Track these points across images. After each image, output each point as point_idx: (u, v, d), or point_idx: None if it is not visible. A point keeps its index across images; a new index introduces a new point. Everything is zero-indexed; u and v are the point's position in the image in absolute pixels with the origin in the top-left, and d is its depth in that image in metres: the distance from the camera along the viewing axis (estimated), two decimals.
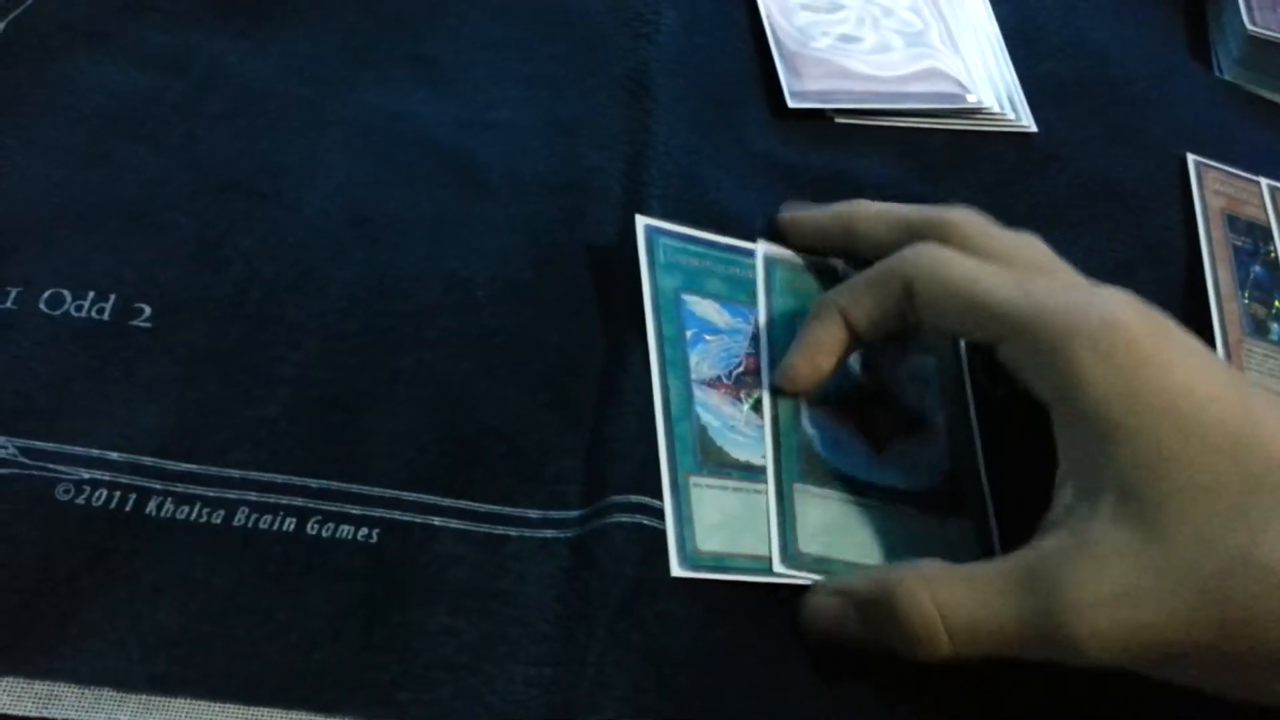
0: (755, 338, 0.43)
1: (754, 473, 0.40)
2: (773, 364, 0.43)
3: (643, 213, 0.46)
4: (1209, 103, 0.59)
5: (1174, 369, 0.35)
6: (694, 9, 0.56)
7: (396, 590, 0.37)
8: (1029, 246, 0.42)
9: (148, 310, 0.41)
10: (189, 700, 0.34)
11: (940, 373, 0.45)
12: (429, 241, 0.45)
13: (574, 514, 0.39)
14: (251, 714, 0.34)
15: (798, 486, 0.40)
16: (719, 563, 0.38)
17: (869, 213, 0.44)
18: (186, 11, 0.51)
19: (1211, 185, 0.53)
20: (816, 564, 0.39)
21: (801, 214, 0.46)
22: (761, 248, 0.46)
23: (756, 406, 0.42)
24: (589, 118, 0.51)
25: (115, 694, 0.34)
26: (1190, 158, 0.55)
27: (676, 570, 0.38)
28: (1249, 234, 0.52)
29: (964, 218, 0.42)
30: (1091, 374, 0.35)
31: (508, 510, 0.39)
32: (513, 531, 0.39)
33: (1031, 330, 0.36)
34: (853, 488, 0.41)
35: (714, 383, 0.42)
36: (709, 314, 0.43)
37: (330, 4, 0.53)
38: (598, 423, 0.41)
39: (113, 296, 0.41)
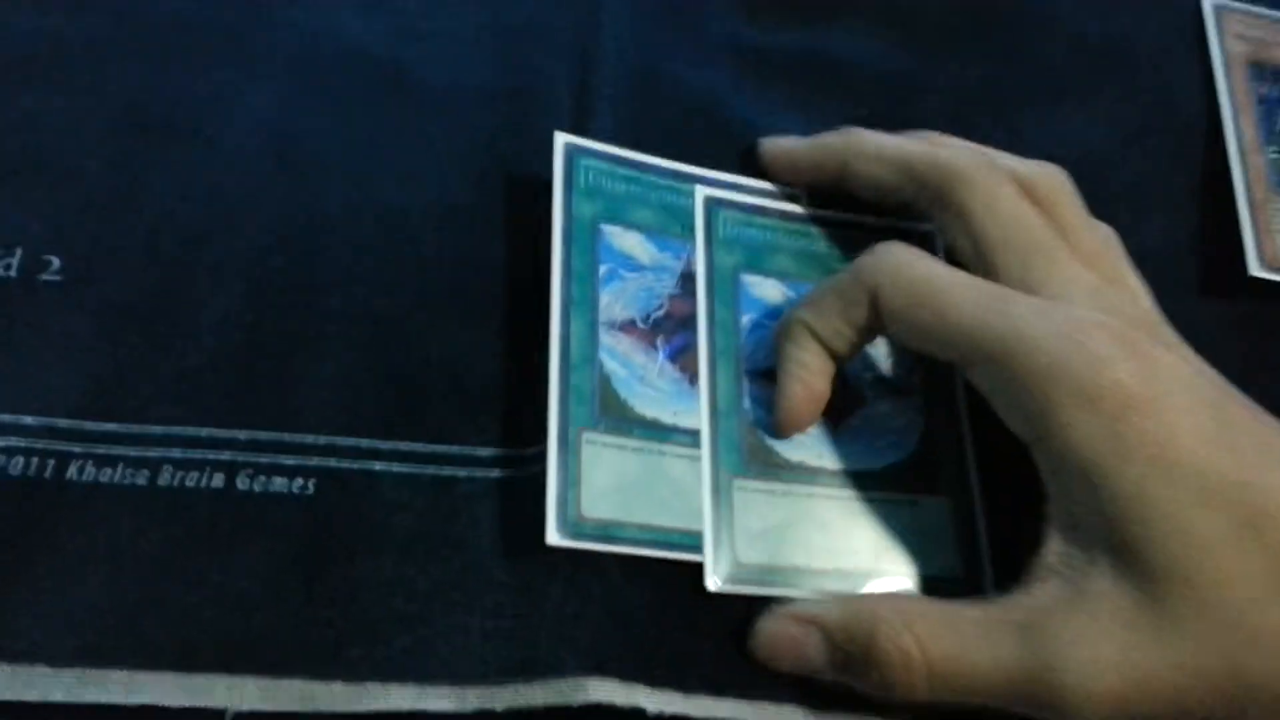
0: (687, 277, 0.38)
1: (661, 431, 0.36)
2: (712, 326, 0.38)
3: (591, 119, 0.42)
4: None
5: (1163, 412, 0.31)
6: None
7: (338, 542, 0.34)
8: (1068, 215, 0.37)
9: (57, 263, 0.38)
10: (126, 672, 0.32)
11: None
12: (360, 167, 0.41)
13: (530, 451, 0.36)
14: (191, 682, 0.32)
15: (738, 483, 0.35)
16: (605, 532, 0.34)
17: (867, 150, 0.39)
18: None
19: (1233, 29, 0.48)
20: (760, 575, 0.34)
21: (786, 147, 0.41)
22: (702, 191, 0.40)
23: (675, 359, 0.37)
24: (535, 20, 0.46)
25: (49, 669, 0.32)
26: (1206, 1, 0.49)
27: (553, 538, 0.33)
28: (1278, 81, 0.46)
29: (981, 174, 0.37)
30: (1072, 418, 0.31)
31: (456, 449, 0.36)
32: (462, 472, 0.36)
33: (1004, 361, 0.32)
34: (804, 475, 0.36)
35: (626, 326, 0.37)
36: (630, 248, 0.38)
37: None
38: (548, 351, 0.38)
39: (19, 251, 0.38)
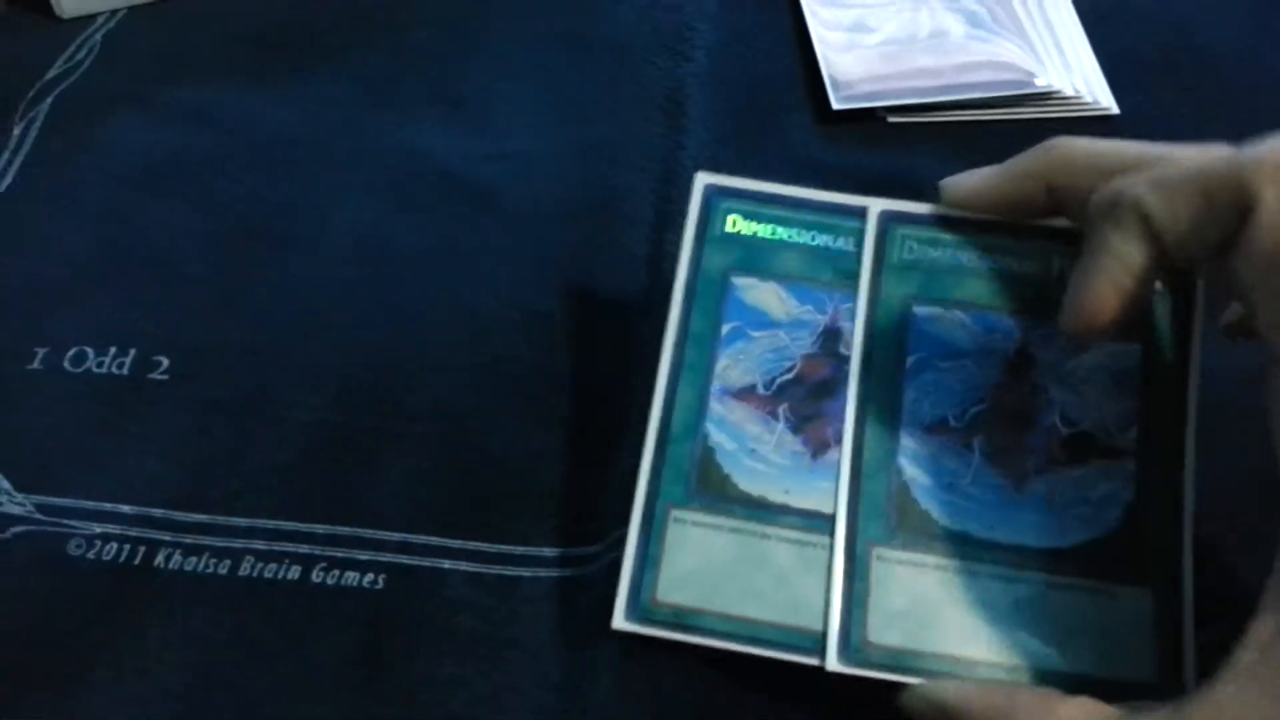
0: (829, 334, 0.34)
1: (767, 511, 0.32)
2: (867, 370, 0.33)
3: (669, 233, 0.43)
4: None
5: None
6: (732, 22, 0.54)
7: (402, 639, 0.35)
8: None
9: (165, 362, 0.41)
10: None
11: (1158, 348, 0.32)
12: (446, 276, 0.44)
13: (591, 549, 0.36)
14: None
15: (878, 551, 0.31)
16: (681, 620, 0.31)
17: (1076, 157, 0.31)
18: (218, 68, 0.51)
19: None
20: (893, 659, 0.30)
21: (972, 186, 0.35)
22: (877, 205, 0.35)
23: (799, 429, 0.33)
24: (618, 140, 0.49)
25: None
26: None
27: (619, 622, 0.31)
28: None
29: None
30: None
31: (521, 550, 0.37)
32: (525, 573, 0.36)
33: None
34: (967, 548, 0.31)
35: (743, 393, 0.33)
36: (764, 301, 0.34)
37: (359, 50, 0.53)
38: (617, 455, 0.38)
39: (133, 351, 0.41)
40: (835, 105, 0.49)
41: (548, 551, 0.37)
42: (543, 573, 0.36)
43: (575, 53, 0.52)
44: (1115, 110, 0.50)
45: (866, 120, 0.49)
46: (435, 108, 0.50)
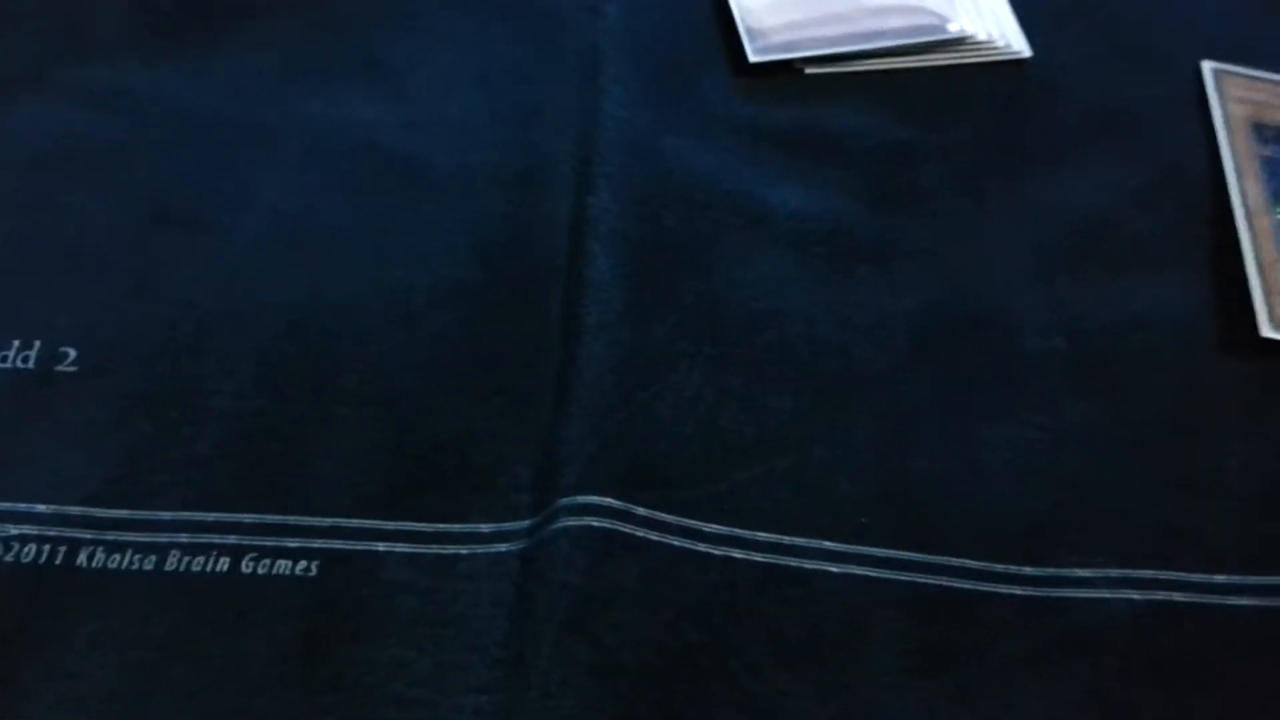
0: None
1: None
2: None
3: (591, 194, 0.43)
4: (1228, 4, 0.53)
5: None
6: None
7: (340, 625, 0.34)
8: None
9: (73, 354, 0.39)
10: None
11: None
12: (371, 253, 0.43)
13: (525, 524, 0.36)
14: None
15: None
16: None
17: None
18: (127, 45, 0.49)
19: (1233, 93, 0.48)
20: None
21: None
22: None
23: None
24: (541, 105, 0.48)
25: None
26: (1206, 65, 0.49)
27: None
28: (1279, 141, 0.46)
29: None
30: None
31: (458, 528, 0.36)
32: (464, 550, 0.36)
33: None
34: None
35: None
36: None
37: (275, 16, 0.51)
38: (551, 426, 0.38)
39: (37, 344, 0.39)
40: (751, 58, 0.48)
41: (484, 528, 0.36)
42: (480, 549, 0.36)
43: (491, 16, 0.51)
44: (1028, 54, 0.50)
45: (784, 73, 0.49)
46: (355, 76, 0.48)
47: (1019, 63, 0.50)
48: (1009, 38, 0.50)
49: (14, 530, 0.36)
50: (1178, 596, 0.36)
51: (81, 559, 0.35)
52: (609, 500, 0.36)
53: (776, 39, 0.49)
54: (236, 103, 0.47)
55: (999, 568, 0.36)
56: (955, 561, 0.36)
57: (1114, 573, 0.36)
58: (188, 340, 0.40)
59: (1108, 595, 0.35)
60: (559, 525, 0.35)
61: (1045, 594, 0.36)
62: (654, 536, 0.36)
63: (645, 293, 0.41)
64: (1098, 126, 0.48)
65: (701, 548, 0.36)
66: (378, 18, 0.51)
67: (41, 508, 0.36)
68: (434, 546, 0.36)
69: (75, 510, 0.36)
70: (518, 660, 0.33)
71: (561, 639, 0.33)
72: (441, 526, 0.36)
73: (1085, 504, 0.38)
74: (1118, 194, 0.46)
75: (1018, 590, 0.36)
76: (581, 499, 0.35)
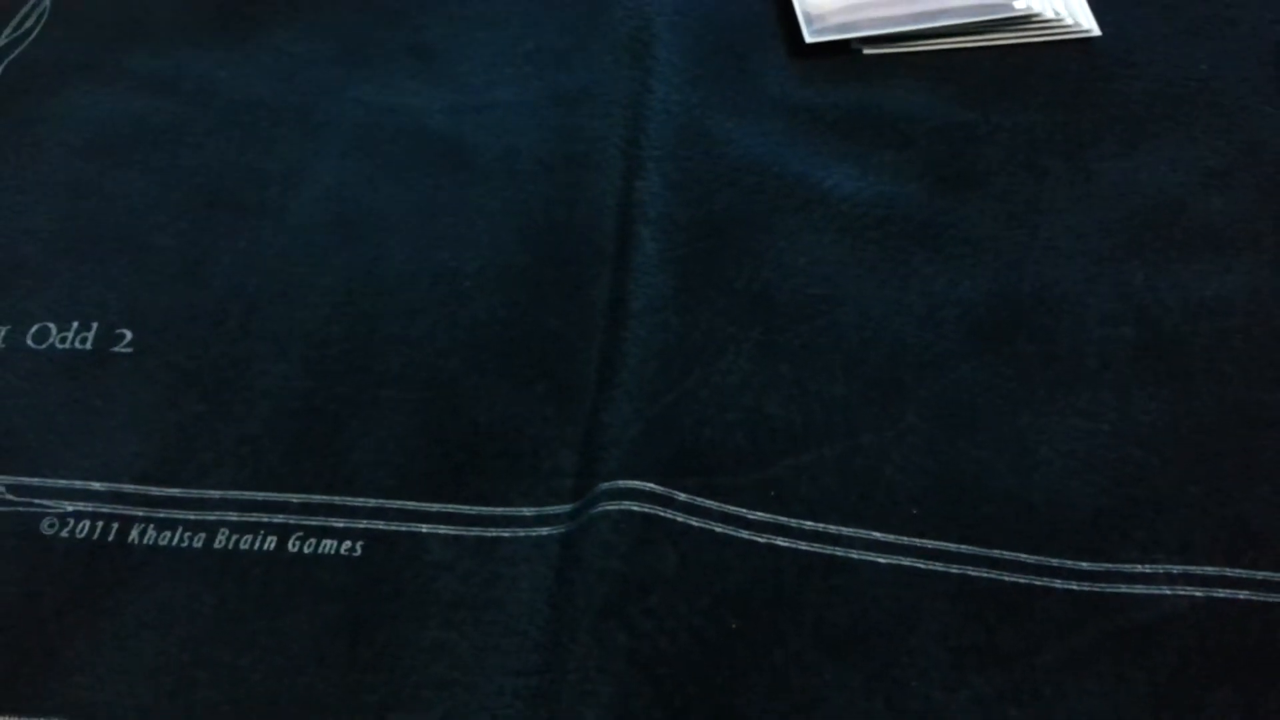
0: None
1: None
2: None
3: (639, 178, 0.42)
4: None
5: None
6: None
7: (383, 605, 0.35)
8: None
9: (129, 335, 0.40)
10: None
11: None
12: (417, 235, 0.43)
13: (567, 508, 0.36)
14: None
15: None
16: None
17: None
18: (177, 33, 0.50)
19: None
20: None
21: None
22: None
23: None
24: (587, 87, 0.47)
25: None
26: None
27: None
28: None
29: None
30: None
31: (500, 511, 0.36)
32: (505, 533, 0.36)
33: None
34: None
35: None
36: None
37: (324, 3, 0.51)
38: (593, 409, 0.38)
39: (95, 325, 0.40)
40: (808, 38, 0.47)
41: (527, 511, 0.36)
42: (522, 532, 0.36)
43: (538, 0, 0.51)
44: (1097, 32, 0.48)
45: (840, 54, 0.48)
46: (403, 62, 0.49)
47: (1086, 41, 0.48)
48: (1076, 15, 0.48)
49: (69, 507, 0.37)
50: (1243, 595, 0.34)
51: (133, 536, 0.36)
52: (650, 485, 0.35)
53: (834, 20, 0.48)
54: (286, 89, 0.48)
55: (1054, 562, 0.35)
56: (1008, 555, 0.35)
57: (1175, 569, 0.35)
58: (238, 322, 0.41)
59: (1168, 591, 0.34)
60: (599, 510, 0.35)
61: (1102, 589, 0.34)
62: (695, 522, 0.35)
63: (694, 277, 0.41)
64: (1169, 106, 0.47)
65: (745, 535, 0.35)
66: (426, 4, 0.51)
67: (96, 485, 0.37)
68: (475, 529, 0.36)
69: (128, 488, 0.37)
70: (556, 645, 0.33)
71: (598, 625, 0.33)
72: (484, 509, 0.36)
73: (1147, 497, 0.36)
74: (1190, 175, 0.44)
75: (1074, 585, 0.35)
76: (623, 483, 0.35)
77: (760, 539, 0.35)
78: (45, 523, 0.36)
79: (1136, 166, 0.45)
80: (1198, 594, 0.34)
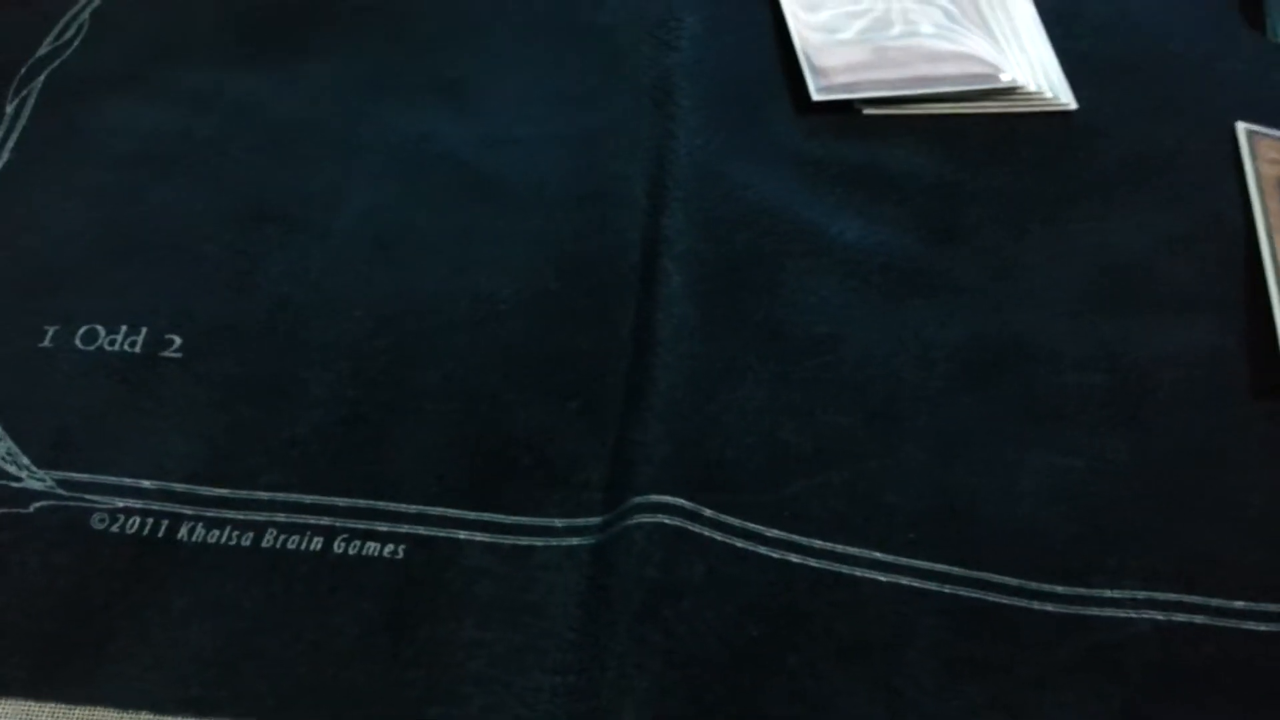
0: None
1: None
2: None
3: (664, 216, 0.46)
4: (1264, 69, 0.56)
5: None
6: (715, 12, 0.56)
7: (424, 605, 0.37)
8: None
9: (178, 340, 0.42)
10: None
11: None
12: (453, 259, 0.45)
13: (596, 520, 0.39)
14: None
15: None
16: None
17: None
18: (218, 51, 0.52)
19: (1265, 154, 0.50)
20: None
21: None
22: None
23: None
24: (612, 128, 0.51)
25: (152, 717, 0.34)
26: (1240, 126, 0.52)
27: None
28: None
29: None
30: None
31: (534, 520, 0.39)
32: (539, 541, 0.38)
33: None
34: None
35: None
36: None
37: (358, 34, 0.54)
38: (622, 428, 0.41)
39: (144, 329, 0.42)
40: (815, 96, 0.51)
41: (558, 522, 0.39)
42: (554, 542, 0.38)
43: (565, 41, 0.54)
44: (1074, 106, 0.53)
45: (844, 111, 0.52)
46: (435, 94, 0.51)
47: (1065, 114, 0.53)
48: (1056, 90, 0.53)
49: (120, 503, 0.38)
50: (1199, 619, 0.38)
51: (182, 533, 0.38)
52: (681, 500, 0.38)
53: (838, 79, 0.52)
54: (324, 110, 0.50)
55: (1033, 585, 0.39)
56: (994, 577, 0.39)
57: (1140, 594, 0.38)
58: (285, 331, 0.43)
59: (1133, 615, 0.38)
60: (633, 521, 0.38)
61: (1075, 611, 0.38)
62: (719, 537, 0.38)
63: (716, 310, 0.44)
64: (1138, 177, 0.51)
65: (762, 550, 0.38)
66: (456, 40, 0.54)
67: (146, 483, 0.39)
68: (510, 537, 0.39)
69: (178, 487, 0.39)
70: (593, 643, 0.36)
71: (636, 625, 0.36)
72: (518, 519, 0.39)
73: (1115, 529, 0.40)
74: (1157, 239, 0.49)
75: (1050, 607, 0.38)
76: (655, 498, 0.38)
77: (775, 555, 0.38)
78: (95, 518, 0.38)
79: (1108, 229, 0.49)
80: (1159, 617, 0.38)
